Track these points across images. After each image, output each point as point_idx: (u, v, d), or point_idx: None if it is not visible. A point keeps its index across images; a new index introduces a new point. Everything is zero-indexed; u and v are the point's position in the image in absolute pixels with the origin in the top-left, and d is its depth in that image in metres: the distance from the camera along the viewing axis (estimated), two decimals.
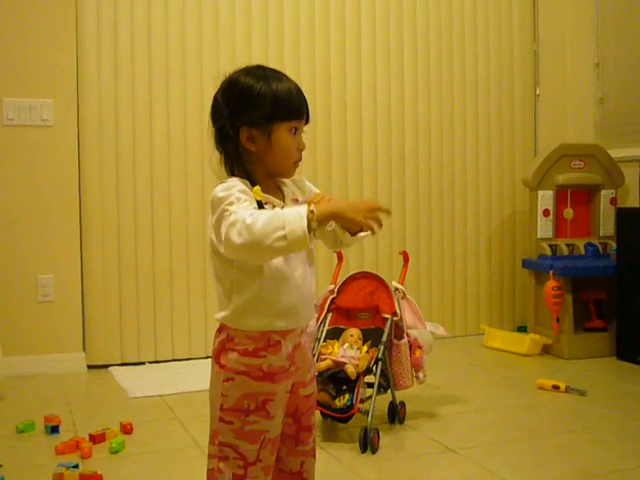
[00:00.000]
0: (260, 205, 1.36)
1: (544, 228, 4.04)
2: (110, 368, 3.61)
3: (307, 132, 1.50)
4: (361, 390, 2.54)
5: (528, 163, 4.34)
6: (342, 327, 2.77)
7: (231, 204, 1.32)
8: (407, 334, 2.73)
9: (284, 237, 1.26)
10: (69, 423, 2.75)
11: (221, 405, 1.41)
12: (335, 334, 2.74)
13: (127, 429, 2.64)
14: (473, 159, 4.38)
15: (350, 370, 2.52)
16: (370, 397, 2.57)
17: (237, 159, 1.43)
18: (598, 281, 3.87)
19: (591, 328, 3.87)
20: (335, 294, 2.84)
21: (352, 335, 2.69)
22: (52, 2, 3.52)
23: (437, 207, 4.31)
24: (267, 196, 1.40)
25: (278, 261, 1.38)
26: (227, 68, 1.48)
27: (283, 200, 1.46)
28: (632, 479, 2.25)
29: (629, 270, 3.70)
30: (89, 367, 3.62)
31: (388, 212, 1.37)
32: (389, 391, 2.69)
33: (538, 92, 4.53)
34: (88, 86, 3.62)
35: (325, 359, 2.58)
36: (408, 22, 4.21)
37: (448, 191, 4.33)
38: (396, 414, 2.73)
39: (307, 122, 1.48)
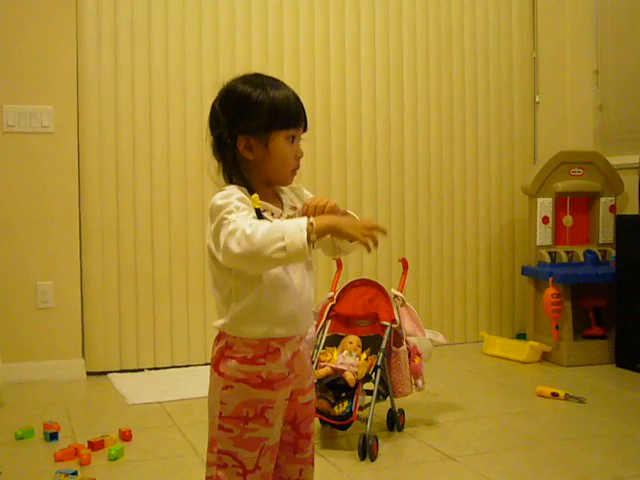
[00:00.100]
0: (259, 213, 1.36)
1: (543, 235, 4.04)
2: (109, 375, 3.61)
3: (306, 139, 1.50)
4: (360, 397, 2.53)
5: (527, 170, 4.34)
6: (341, 334, 2.76)
7: (230, 212, 1.32)
8: (406, 341, 2.73)
9: (283, 248, 1.26)
10: (68, 430, 2.75)
11: (220, 413, 1.41)
12: (334, 341, 2.73)
13: (126, 436, 2.63)
14: (472, 166, 4.38)
15: (349, 377, 2.52)
16: (369, 404, 2.57)
17: (235, 167, 1.43)
18: (597, 288, 3.87)
19: (590, 335, 3.87)
20: (334, 301, 2.83)
21: (351, 342, 2.69)
22: (52, 9, 3.54)
23: (436, 214, 4.31)
24: (265, 204, 1.40)
25: (277, 268, 1.37)
26: (226, 76, 1.49)
27: (282, 208, 1.46)
28: None
29: (628, 277, 3.70)
30: (88, 374, 3.62)
31: (384, 232, 1.37)
32: (388, 398, 2.69)
33: (537, 99, 4.53)
34: (88, 93, 3.63)
35: (324, 366, 2.58)
36: (407, 33, 4.21)
37: (447, 198, 4.33)
38: (395, 421, 2.73)
39: (305, 130, 1.48)
